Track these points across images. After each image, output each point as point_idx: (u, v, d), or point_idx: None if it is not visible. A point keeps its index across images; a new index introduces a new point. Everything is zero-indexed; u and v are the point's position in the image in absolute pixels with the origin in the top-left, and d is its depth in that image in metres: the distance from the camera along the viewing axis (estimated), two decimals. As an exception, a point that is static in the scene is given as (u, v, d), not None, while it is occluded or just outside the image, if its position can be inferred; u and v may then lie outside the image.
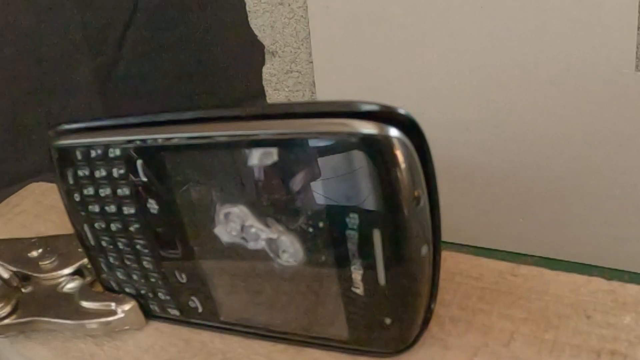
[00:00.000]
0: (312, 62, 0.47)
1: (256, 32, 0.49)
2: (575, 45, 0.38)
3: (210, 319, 0.28)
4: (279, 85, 0.50)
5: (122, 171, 0.26)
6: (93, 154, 0.27)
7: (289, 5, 0.46)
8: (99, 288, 0.31)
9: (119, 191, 0.27)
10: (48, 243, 0.33)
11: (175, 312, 0.29)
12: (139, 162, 0.26)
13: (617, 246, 0.43)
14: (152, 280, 0.28)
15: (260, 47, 0.50)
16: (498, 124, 0.43)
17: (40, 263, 0.32)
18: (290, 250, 0.24)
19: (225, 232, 0.25)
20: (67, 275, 0.31)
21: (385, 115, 0.21)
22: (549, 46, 0.39)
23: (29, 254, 0.32)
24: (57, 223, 0.38)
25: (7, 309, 0.29)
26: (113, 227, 0.28)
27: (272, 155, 0.23)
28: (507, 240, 0.47)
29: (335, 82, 0.47)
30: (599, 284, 0.27)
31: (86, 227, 0.29)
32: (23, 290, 0.31)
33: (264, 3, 0.47)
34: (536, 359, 0.25)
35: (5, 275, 0.31)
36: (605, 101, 0.39)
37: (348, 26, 0.44)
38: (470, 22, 0.40)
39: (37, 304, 0.30)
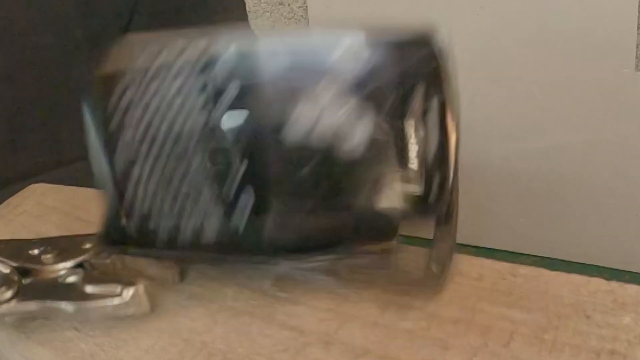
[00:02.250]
0: (312, 62, 0.47)
1: (256, 32, 0.49)
2: (575, 45, 0.38)
3: (253, 240, 0.27)
4: (279, 85, 0.50)
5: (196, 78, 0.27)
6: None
7: (289, 5, 0.46)
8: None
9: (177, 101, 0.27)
10: (49, 243, 0.33)
11: (210, 237, 0.28)
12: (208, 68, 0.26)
13: (617, 246, 0.43)
14: (194, 202, 0.27)
15: (261, 47, 0.50)
16: (498, 123, 0.43)
17: (42, 257, 0.31)
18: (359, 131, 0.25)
19: (296, 128, 0.26)
20: (68, 268, 0.31)
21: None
22: (549, 46, 0.39)
23: (29, 252, 0.32)
24: (58, 224, 0.38)
25: (9, 294, 0.28)
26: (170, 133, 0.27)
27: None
28: (507, 240, 0.47)
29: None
30: (599, 284, 0.27)
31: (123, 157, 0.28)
32: (24, 281, 0.31)
33: (264, 3, 0.47)
34: (536, 359, 0.25)
35: (6, 270, 0.31)
36: (605, 101, 0.39)
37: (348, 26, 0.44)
38: (470, 22, 0.40)
39: (39, 289, 0.29)
